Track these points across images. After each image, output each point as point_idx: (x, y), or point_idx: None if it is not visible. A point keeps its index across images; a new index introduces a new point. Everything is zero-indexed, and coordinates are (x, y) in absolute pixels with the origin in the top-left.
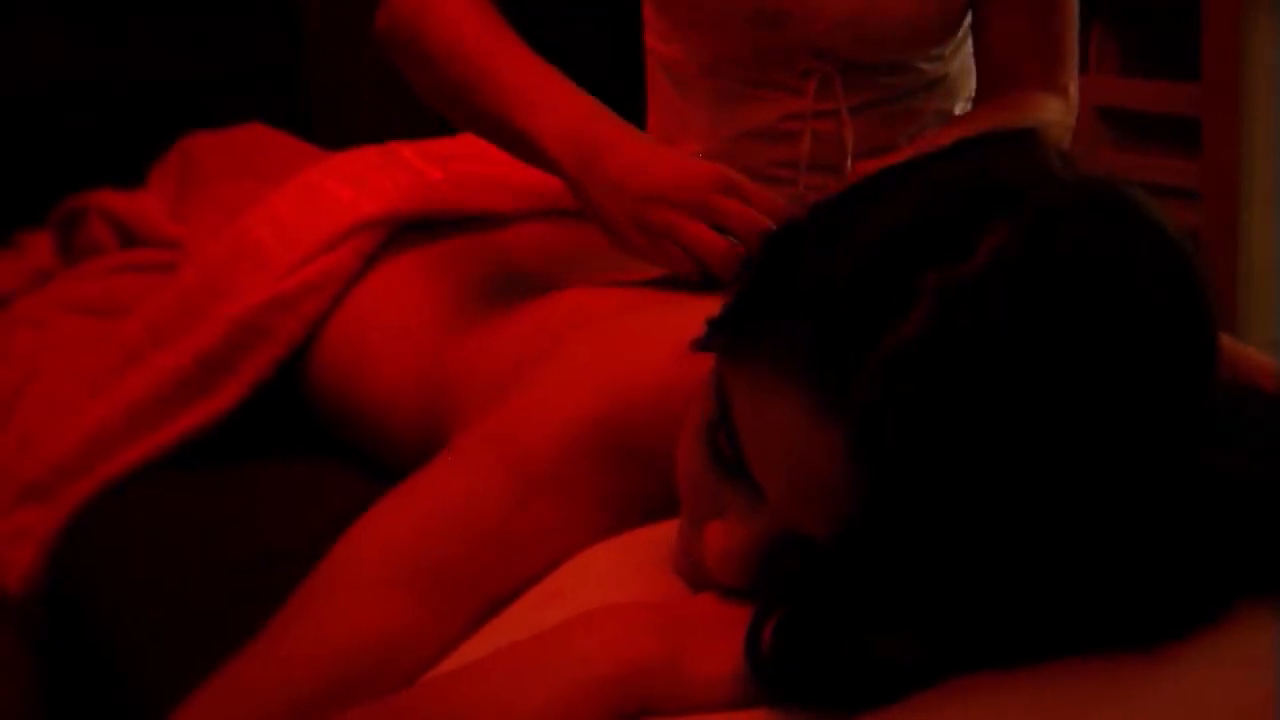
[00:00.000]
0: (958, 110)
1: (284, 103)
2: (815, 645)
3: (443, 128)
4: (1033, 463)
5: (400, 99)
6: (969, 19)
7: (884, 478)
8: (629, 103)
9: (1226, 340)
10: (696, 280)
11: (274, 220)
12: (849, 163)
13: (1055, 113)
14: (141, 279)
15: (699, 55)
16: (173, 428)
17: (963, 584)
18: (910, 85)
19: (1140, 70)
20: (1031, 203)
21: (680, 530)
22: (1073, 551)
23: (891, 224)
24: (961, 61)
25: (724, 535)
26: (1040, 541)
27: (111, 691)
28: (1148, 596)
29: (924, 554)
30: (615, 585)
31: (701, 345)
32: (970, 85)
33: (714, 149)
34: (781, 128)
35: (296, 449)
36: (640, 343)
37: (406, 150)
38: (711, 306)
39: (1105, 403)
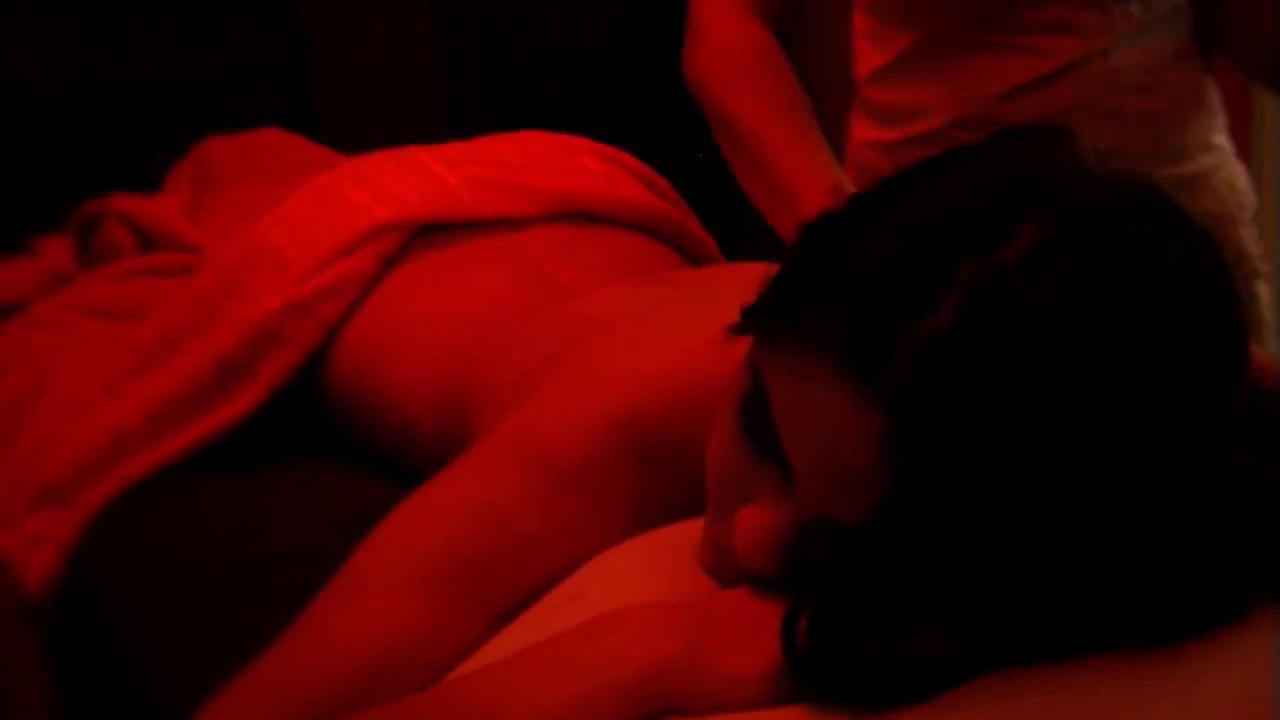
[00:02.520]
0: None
1: (290, 101)
2: (851, 639)
3: (448, 127)
4: (1061, 455)
5: (404, 95)
6: None
7: (915, 463)
8: None
9: None
10: None
11: (290, 224)
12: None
13: None
14: (159, 282)
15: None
16: (191, 431)
17: (991, 575)
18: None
19: None
20: (1067, 197)
21: (707, 521)
22: (1100, 543)
23: (929, 213)
24: None
25: (755, 521)
26: (1067, 533)
27: (131, 693)
28: (1172, 591)
29: (953, 542)
30: (638, 584)
31: (738, 330)
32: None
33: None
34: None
35: (315, 453)
36: (662, 343)
37: (422, 155)
38: (731, 308)
39: (1135, 397)
